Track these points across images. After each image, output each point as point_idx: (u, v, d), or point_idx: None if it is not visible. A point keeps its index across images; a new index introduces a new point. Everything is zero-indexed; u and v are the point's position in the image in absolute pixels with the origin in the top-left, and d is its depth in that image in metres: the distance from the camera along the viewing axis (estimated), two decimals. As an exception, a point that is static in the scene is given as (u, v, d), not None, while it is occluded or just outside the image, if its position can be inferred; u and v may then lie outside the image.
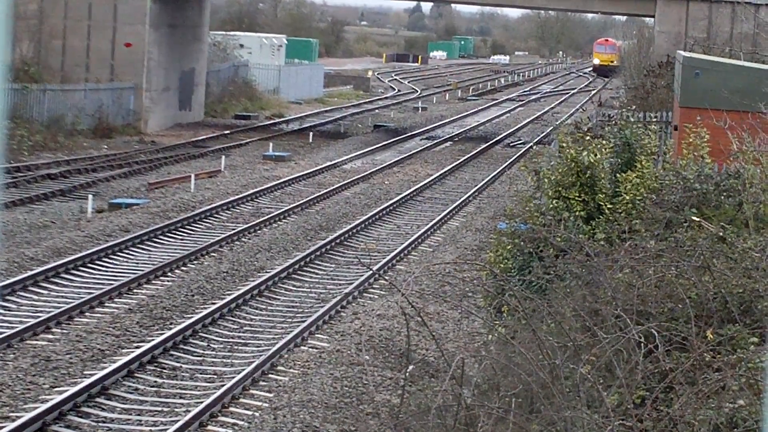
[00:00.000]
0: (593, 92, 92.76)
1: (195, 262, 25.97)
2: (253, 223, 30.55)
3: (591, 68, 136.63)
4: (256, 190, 36.04)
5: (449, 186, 40.59)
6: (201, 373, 18.46)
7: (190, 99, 55.93)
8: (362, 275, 24.85)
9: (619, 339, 10.40)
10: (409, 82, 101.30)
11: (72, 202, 32.67)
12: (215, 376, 18.29)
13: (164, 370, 18.46)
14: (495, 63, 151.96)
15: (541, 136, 57.65)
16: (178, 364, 18.78)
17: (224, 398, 16.80)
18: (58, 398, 16.15)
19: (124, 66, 49.80)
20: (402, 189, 38.32)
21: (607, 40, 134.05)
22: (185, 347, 19.66)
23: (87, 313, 21.19)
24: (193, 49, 55.36)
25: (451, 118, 66.28)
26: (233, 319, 21.72)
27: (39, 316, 20.43)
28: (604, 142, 18.91)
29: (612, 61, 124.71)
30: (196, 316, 20.96)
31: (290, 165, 43.23)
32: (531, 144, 53.34)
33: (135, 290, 23.06)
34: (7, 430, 14.81)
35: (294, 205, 33.77)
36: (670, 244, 13.54)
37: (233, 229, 29.55)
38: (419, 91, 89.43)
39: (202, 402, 16.56)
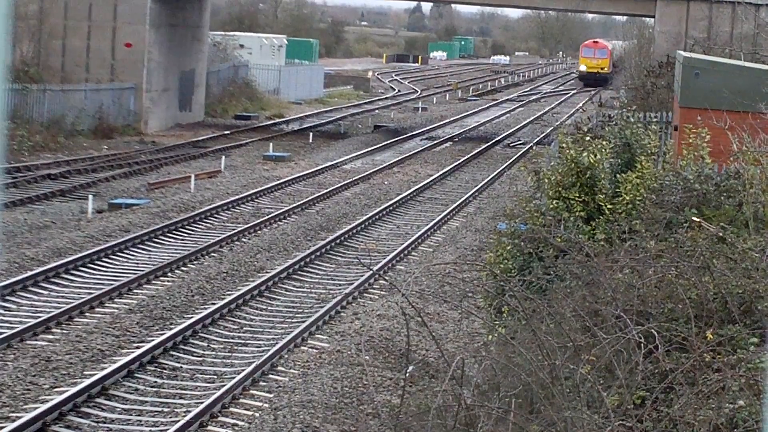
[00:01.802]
0: (593, 92, 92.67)
1: (195, 262, 25.98)
2: (253, 223, 30.55)
3: (577, 76, 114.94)
4: (256, 190, 36.05)
5: (449, 186, 40.58)
6: (201, 374, 18.46)
7: (191, 99, 55.93)
8: (362, 275, 24.86)
9: (619, 339, 10.40)
10: (409, 83, 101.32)
11: (72, 203, 32.67)
12: (215, 377, 18.30)
13: (164, 371, 18.46)
14: (495, 63, 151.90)
15: (541, 136, 57.66)
16: (178, 365, 18.78)
17: (224, 398, 16.81)
18: (58, 398, 16.16)
19: (125, 66, 49.81)
20: (402, 189, 38.32)
21: (596, 42, 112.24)
22: (185, 347, 19.66)
23: (87, 314, 21.20)
24: (193, 50, 55.37)
25: (451, 119, 66.29)
26: (233, 319, 21.73)
27: (39, 316, 20.43)
28: (604, 142, 18.90)
29: (602, 68, 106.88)
30: (196, 317, 20.97)
31: (290, 165, 43.24)
32: (531, 144, 53.35)
33: (135, 290, 23.07)
34: (8, 431, 14.81)
35: (294, 205, 33.78)
36: (670, 245, 13.54)
37: (233, 230, 29.56)
38: (419, 92, 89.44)
39: (202, 402, 16.57)
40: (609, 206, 17.35)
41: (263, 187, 36.71)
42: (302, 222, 31.72)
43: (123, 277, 23.95)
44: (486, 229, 31.37)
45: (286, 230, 30.30)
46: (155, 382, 17.89)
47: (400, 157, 46.99)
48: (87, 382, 16.93)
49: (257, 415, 16.41)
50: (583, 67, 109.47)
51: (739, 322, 11.41)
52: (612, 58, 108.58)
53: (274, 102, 67.95)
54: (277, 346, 19.29)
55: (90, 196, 31.54)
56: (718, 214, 15.52)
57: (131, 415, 16.48)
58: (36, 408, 15.89)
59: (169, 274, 24.60)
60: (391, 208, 34.54)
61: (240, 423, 16.16)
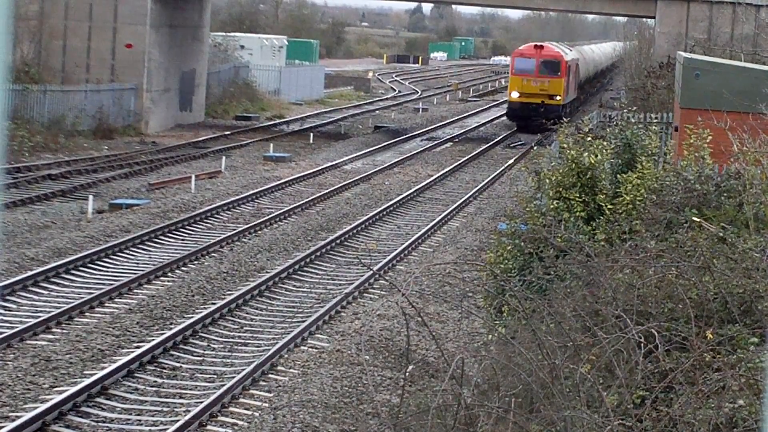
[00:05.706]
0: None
1: (195, 262, 25.98)
2: (254, 223, 30.55)
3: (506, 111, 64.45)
4: (256, 190, 36.05)
5: (449, 187, 40.58)
6: (201, 373, 18.46)
7: (191, 100, 55.93)
8: (362, 275, 24.86)
9: (619, 339, 10.40)
10: (409, 83, 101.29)
11: (72, 203, 32.67)
12: (215, 376, 18.30)
13: (164, 370, 18.46)
14: (496, 64, 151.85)
15: (542, 137, 57.62)
16: (178, 364, 18.78)
17: (224, 398, 16.80)
18: (58, 398, 16.16)
19: (125, 67, 49.81)
20: (402, 189, 38.32)
21: (539, 47, 60.81)
22: (185, 347, 19.66)
23: (87, 313, 21.20)
24: (193, 50, 55.37)
25: (452, 119, 66.28)
26: (233, 319, 21.73)
27: (39, 316, 20.43)
28: (604, 143, 18.91)
29: (551, 96, 58.95)
30: (196, 316, 20.97)
31: (291, 166, 43.23)
32: (531, 145, 53.33)
33: (135, 290, 23.07)
34: (7, 430, 14.81)
35: (294, 205, 33.78)
36: (670, 245, 13.53)
37: (234, 230, 29.56)
38: (420, 92, 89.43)
39: (201, 402, 16.57)
40: (609, 206, 17.34)
41: (264, 188, 36.71)
42: (302, 222, 31.72)
43: (123, 277, 23.95)
44: (486, 230, 31.37)
45: (287, 230, 30.30)
46: (155, 381, 17.89)
47: (400, 158, 46.99)
48: (87, 381, 16.93)
49: (257, 414, 16.41)
50: (514, 94, 60.26)
51: (739, 322, 11.41)
52: (574, 75, 64.43)
53: (274, 103, 67.95)
54: (277, 346, 19.29)
55: (90, 197, 31.54)
56: (719, 214, 15.52)
57: (131, 414, 16.48)
58: (36, 407, 15.88)
59: (170, 274, 24.60)
60: (391, 208, 34.54)
61: (240, 422, 16.15)
